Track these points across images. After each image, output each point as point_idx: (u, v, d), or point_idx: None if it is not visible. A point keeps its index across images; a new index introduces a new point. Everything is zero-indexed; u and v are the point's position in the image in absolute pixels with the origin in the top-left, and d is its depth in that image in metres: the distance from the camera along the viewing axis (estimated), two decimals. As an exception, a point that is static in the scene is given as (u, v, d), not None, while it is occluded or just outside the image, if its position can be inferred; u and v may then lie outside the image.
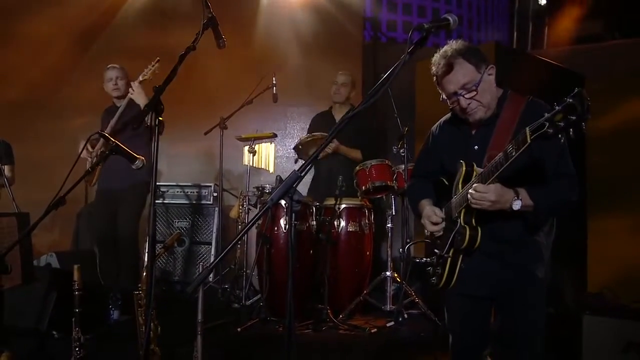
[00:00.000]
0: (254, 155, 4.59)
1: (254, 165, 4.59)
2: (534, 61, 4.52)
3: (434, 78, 2.09)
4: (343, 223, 4.17)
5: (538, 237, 2.07)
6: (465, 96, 2.04)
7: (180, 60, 2.10)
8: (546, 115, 1.58)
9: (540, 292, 2.07)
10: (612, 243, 4.28)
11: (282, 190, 1.59)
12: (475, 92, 2.03)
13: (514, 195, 1.91)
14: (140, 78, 3.84)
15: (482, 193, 1.90)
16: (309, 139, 4.26)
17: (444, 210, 2.20)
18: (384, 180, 4.05)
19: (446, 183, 2.25)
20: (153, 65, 3.78)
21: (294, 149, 4.41)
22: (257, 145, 4.65)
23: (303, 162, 4.39)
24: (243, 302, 4.12)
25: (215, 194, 4.87)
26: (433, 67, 2.08)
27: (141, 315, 2.40)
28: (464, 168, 2.06)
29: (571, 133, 1.54)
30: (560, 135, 1.59)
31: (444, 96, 2.10)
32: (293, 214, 1.60)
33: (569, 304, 3.61)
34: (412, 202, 2.42)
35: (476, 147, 2.12)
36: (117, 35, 5.27)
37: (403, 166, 3.96)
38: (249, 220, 3.91)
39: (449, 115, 2.27)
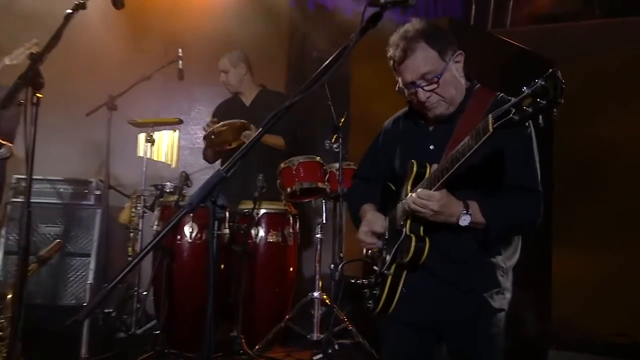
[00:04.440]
0: (152, 145, 4.52)
1: (152, 158, 4.59)
2: (495, 42, 4.58)
3: (391, 62, 2.13)
4: (262, 232, 4.21)
5: (496, 260, 2.12)
6: (425, 88, 2.08)
7: (65, 21, 2.07)
8: (512, 99, 1.63)
9: (496, 325, 2.12)
10: (580, 264, 4.40)
11: (203, 193, 1.61)
12: (436, 85, 2.07)
13: (463, 208, 1.96)
14: (7, 62, 3.68)
15: (425, 200, 1.94)
16: (224, 127, 4.25)
17: (387, 219, 2.25)
18: (314, 182, 4.10)
19: (393, 188, 2.31)
20: (28, 49, 3.63)
21: (204, 138, 4.38)
22: (156, 133, 4.59)
23: (211, 156, 4.60)
24: (133, 330, 4.06)
25: (97, 192, 4.69)
26: (390, 49, 2.11)
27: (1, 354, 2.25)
28: (415, 169, 2.10)
29: (540, 120, 1.58)
30: (527, 124, 1.68)
31: (400, 84, 2.14)
32: (215, 223, 1.61)
33: (531, 335, 3.76)
34: (352, 207, 2.46)
35: (432, 146, 2.17)
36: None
37: (337, 165, 3.99)
38: (164, 227, 3.88)
39: (406, 108, 2.33)
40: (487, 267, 2.12)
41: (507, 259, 2.17)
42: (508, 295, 2.16)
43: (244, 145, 1.73)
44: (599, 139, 4.34)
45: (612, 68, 4.36)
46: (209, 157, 4.64)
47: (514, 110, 1.62)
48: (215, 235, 1.66)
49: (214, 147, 4.43)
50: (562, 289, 4.36)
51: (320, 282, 4.11)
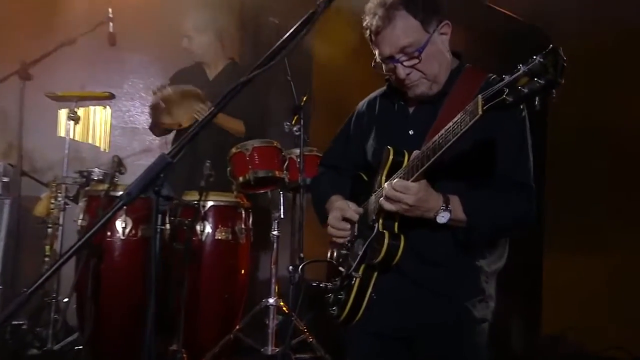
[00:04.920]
0: (76, 123, 4.45)
1: (76, 139, 4.50)
2: (482, 11, 4.65)
3: (366, 33, 2.17)
4: (209, 228, 4.23)
5: (479, 263, 2.18)
6: (405, 63, 2.11)
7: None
8: (506, 78, 1.65)
9: (478, 336, 2.18)
10: (574, 270, 4.47)
11: (144, 181, 1.60)
12: (417, 60, 2.10)
13: (442, 203, 2.01)
14: None
15: (400, 192, 1.98)
16: (176, 94, 4.25)
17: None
18: (271, 170, 4.13)
19: (365, 179, 2.35)
20: None
21: (150, 107, 4.36)
22: (81, 109, 4.52)
23: (156, 128, 4.56)
24: (49, 345, 4.00)
25: (6, 179, 4.49)
26: (366, 19, 2.14)
27: None
28: (391, 157, 2.14)
29: (537, 103, 1.60)
30: (522, 106, 1.72)
31: (377, 59, 2.17)
32: (159, 215, 1.61)
33: (518, 349, 3.86)
34: (317, 199, 2.52)
35: (411, 131, 2.22)
36: None
37: (298, 150, 4.04)
38: (90, 222, 3.83)
39: (384, 87, 2.38)
40: (470, 271, 2.17)
41: (492, 263, 2.22)
42: (492, 304, 2.22)
43: (195, 124, 1.74)
44: (602, 124, 4.44)
45: (613, 44, 4.42)
46: (156, 131, 4.67)
47: (507, 91, 1.63)
48: (159, 231, 1.66)
49: (161, 121, 4.42)
50: (552, 297, 4.46)
51: (277, 287, 4.14)
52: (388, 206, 2.02)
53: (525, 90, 1.60)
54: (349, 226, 2.30)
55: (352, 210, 2.28)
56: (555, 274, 4.46)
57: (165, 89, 4.22)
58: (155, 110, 4.30)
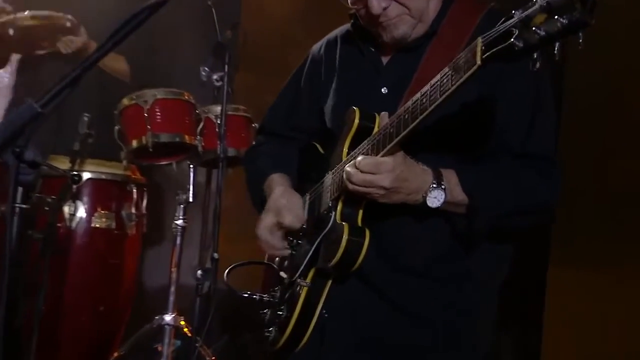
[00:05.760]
0: None
1: None
2: None
3: None
4: (82, 210, 4.17)
5: (477, 273, 2.22)
6: None
7: None
8: (516, 14, 1.63)
9: None
10: (586, 291, 4.49)
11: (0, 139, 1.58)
12: None
13: (433, 179, 2.01)
14: None
15: (369, 174, 1.98)
16: (37, 20, 4.13)
17: (306, 201, 2.33)
18: (179, 133, 4.09)
19: (321, 151, 2.39)
20: None
21: None
22: None
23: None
24: None
25: None
26: None
27: None
28: (356, 121, 2.16)
29: (556, 51, 1.58)
30: (535, 55, 1.64)
31: None
32: (19, 188, 1.61)
33: None
34: (253, 178, 2.57)
35: (385, 88, 2.25)
36: None
37: (218, 109, 4.04)
38: None
39: (346, 26, 2.44)
40: (462, 282, 2.22)
41: (494, 273, 2.28)
42: (489, 328, 2.30)
43: (75, 69, 1.71)
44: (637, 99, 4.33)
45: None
46: None
47: (516, 33, 1.61)
48: (18, 211, 1.67)
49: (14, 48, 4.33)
50: (556, 323, 4.47)
51: (176, 299, 4.03)
52: (356, 190, 2.04)
53: (542, 33, 1.57)
54: (282, 243, 2.38)
55: (293, 212, 2.33)
56: (562, 295, 4.46)
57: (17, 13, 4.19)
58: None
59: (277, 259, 2.46)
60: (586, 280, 4.40)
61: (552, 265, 4.50)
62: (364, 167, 1.97)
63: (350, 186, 2.02)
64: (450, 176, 2.05)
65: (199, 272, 3.79)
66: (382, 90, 2.25)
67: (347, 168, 2.03)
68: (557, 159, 2.17)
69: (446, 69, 1.80)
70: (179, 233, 4.07)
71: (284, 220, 2.31)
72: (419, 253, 2.19)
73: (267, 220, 2.36)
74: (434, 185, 1.99)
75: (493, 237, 2.18)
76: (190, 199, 4.04)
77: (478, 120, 2.11)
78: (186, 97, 4.13)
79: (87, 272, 4.17)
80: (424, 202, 2.00)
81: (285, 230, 2.36)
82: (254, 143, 2.82)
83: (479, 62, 1.68)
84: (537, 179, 2.12)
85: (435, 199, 1.99)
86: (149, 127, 3.99)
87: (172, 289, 4.05)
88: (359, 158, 2.01)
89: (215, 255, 3.86)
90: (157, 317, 4.01)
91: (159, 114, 4.03)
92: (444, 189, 2.00)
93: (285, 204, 2.33)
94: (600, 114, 4.34)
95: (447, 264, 2.20)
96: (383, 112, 2.09)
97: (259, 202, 2.47)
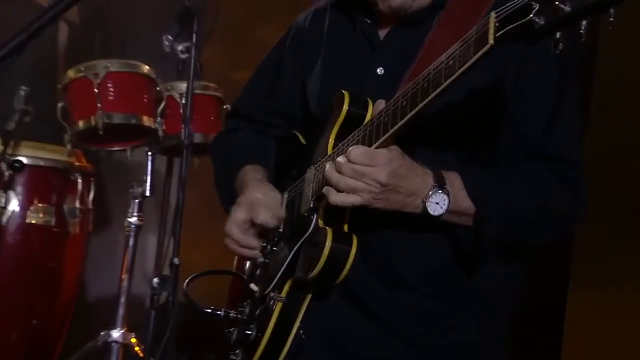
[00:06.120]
0: None
1: None
2: None
3: None
4: (15, 204, 4.12)
5: (482, 289, 2.19)
6: None
7: None
8: None
9: None
10: (613, 319, 4.47)
11: None
12: None
13: (433, 182, 1.99)
14: None
15: (360, 166, 1.96)
16: None
17: (284, 200, 2.33)
18: (135, 113, 4.10)
19: (302, 142, 2.39)
20: None
21: None
22: None
23: None
24: None
25: None
26: None
27: None
28: (345, 107, 2.15)
29: (582, 30, 1.52)
30: (558, 36, 1.58)
31: None
32: None
33: None
34: (221, 169, 2.58)
35: (381, 68, 2.24)
36: None
37: (183, 86, 4.02)
38: None
39: None
40: (465, 304, 2.18)
41: (504, 295, 2.24)
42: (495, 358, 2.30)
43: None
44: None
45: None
46: None
47: (536, 7, 1.56)
48: None
49: None
50: (578, 354, 4.46)
51: (126, 311, 3.97)
52: (343, 187, 1.98)
53: (567, 8, 1.51)
54: (256, 242, 2.34)
55: (269, 208, 2.29)
56: (583, 318, 4.42)
57: None
58: None
59: (247, 267, 2.44)
60: (614, 301, 4.36)
61: (572, 285, 4.47)
62: (355, 158, 1.94)
63: (337, 179, 1.97)
64: (454, 179, 2.02)
65: (155, 280, 3.70)
66: (378, 70, 2.23)
67: (339, 159, 2.00)
68: (582, 162, 2.11)
69: (453, 48, 1.77)
70: (132, 233, 4.00)
71: (257, 216, 2.24)
72: (415, 266, 2.15)
73: (238, 215, 2.29)
74: (435, 189, 1.96)
75: (503, 254, 2.17)
76: (147, 193, 3.95)
77: (488, 111, 2.08)
78: (145, 71, 4.11)
79: (19, 278, 4.12)
80: (425, 208, 1.96)
81: (259, 229, 2.31)
82: (224, 128, 2.80)
83: (491, 41, 1.64)
84: (557, 185, 2.09)
85: (437, 204, 1.95)
86: (99, 105, 3.96)
87: (122, 299, 3.97)
88: (353, 146, 1.99)
89: (176, 260, 3.81)
90: (102, 333, 3.92)
91: (111, 89, 4.00)
92: (447, 193, 1.96)
93: (260, 199, 2.27)
94: (636, 113, 4.24)
95: (447, 281, 2.16)
96: (379, 100, 2.04)
97: (228, 199, 2.43)
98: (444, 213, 1.97)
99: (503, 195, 2.06)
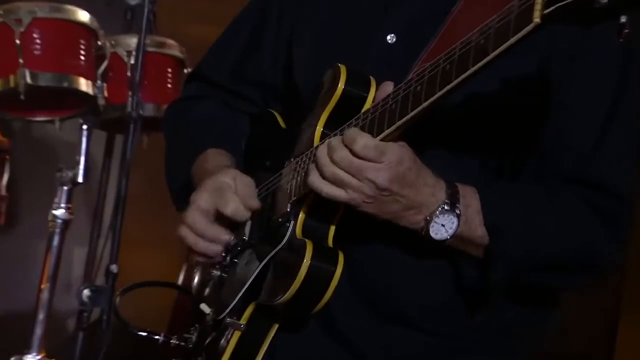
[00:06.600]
0: None
1: None
2: None
3: None
4: None
5: (497, 327, 2.18)
6: None
7: None
8: None
9: None
10: None
11: None
12: None
13: (445, 197, 1.97)
14: None
15: (362, 160, 1.91)
16: None
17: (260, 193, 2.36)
18: (68, 73, 4.11)
19: (282, 125, 2.42)
20: None
21: None
22: None
23: None
24: None
25: None
26: None
27: None
28: (340, 86, 2.13)
29: None
30: (624, 19, 1.50)
31: None
32: None
33: None
34: (175, 152, 2.58)
35: (392, 35, 2.23)
36: None
37: (133, 41, 3.94)
38: None
39: None
40: (473, 346, 2.18)
41: (524, 337, 2.22)
42: None
43: None
44: None
45: None
46: None
47: None
48: None
49: None
50: None
51: (46, 331, 3.81)
52: (330, 189, 1.94)
53: None
54: (227, 236, 2.24)
55: (242, 194, 2.21)
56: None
57: None
58: None
59: (195, 282, 2.44)
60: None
61: (622, 322, 4.54)
62: (362, 151, 1.88)
63: (324, 164, 1.92)
64: (470, 199, 1.98)
65: (86, 292, 3.64)
66: (388, 38, 2.21)
67: (333, 143, 1.94)
68: (632, 195, 2.07)
69: (487, 23, 1.71)
70: (57, 230, 3.86)
71: (225, 206, 2.13)
72: (419, 297, 2.13)
73: (201, 201, 2.15)
74: (445, 208, 1.92)
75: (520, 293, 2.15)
76: (80, 179, 3.84)
77: (521, 110, 2.06)
78: (83, 19, 3.99)
79: None
80: (426, 228, 1.93)
81: (226, 223, 2.22)
82: (181, 95, 2.81)
83: (537, 19, 1.58)
84: (594, 220, 2.04)
85: (442, 227, 1.93)
86: (21, 60, 3.96)
87: (41, 316, 3.83)
88: (351, 130, 1.95)
89: (113, 267, 3.73)
90: (13, 358, 3.78)
91: (38, 41, 3.99)
92: (458, 216, 1.93)
93: (229, 185, 2.16)
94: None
95: (454, 317, 2.15)
96: (386, 81, 1.99)
97: (180, 187, 2.39)
98: (447, 239, 1.93)
99: (526, 226, 2.03)
